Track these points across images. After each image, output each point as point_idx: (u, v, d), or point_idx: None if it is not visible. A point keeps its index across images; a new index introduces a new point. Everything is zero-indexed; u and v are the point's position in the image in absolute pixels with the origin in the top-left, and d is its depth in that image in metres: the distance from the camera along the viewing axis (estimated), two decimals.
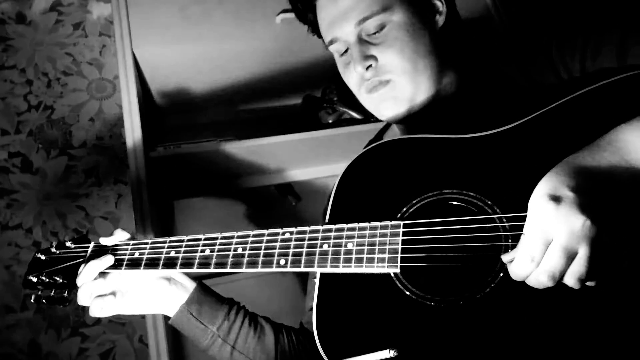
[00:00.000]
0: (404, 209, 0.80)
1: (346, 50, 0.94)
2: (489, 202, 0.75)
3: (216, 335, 0.97)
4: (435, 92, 0.92)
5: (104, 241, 0.98)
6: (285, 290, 1.64)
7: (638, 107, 0.69)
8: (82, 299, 0.93)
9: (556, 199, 0.62)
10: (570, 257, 0.61)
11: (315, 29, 1.00)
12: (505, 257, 0.67)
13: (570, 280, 0.62)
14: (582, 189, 0.62)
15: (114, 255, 0.95)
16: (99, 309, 0.93)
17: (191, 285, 0.99)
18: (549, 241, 0.62)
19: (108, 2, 1.86)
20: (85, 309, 1.61)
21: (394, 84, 0.91)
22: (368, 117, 1.62)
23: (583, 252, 0.60)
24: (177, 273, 0.98)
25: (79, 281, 0.93)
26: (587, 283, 0.63)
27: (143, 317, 1.42)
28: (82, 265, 0.94)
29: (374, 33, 0.90)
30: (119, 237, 0.98)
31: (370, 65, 0.90)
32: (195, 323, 0.96)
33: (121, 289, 0.96)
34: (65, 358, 1.58)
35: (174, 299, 0.97)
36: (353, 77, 0.94)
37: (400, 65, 0.89)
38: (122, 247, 0.96)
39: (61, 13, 1.85)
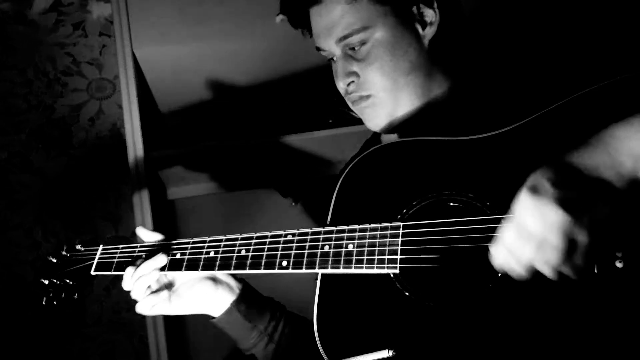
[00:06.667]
0: (404, 211, 0.81)
1: (334, 58, 0.95)
2: (487, 204, 0.76)
3: (264, 335, 0.98)
4: (422, 103, 0.93)
5: (144, 236, 0.99)
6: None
7: (633, 109, 0.70)
8: (137, 292, 0.92)
9: (535, 190, 0.62)
10: (543, 248, 0.61)
11: (310, 33, 1.01)
12: (492, 248, 0.67)
13: (546, 270, 0.62)
14: (564, 184, 0.62)
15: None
16: (150, 307, 0.93)
17: (237, 285, 0.99)
18: (523, 232, 0.62)
19: (108, 2, 1.86)
20: (86, 309, 1.63)
21: (374, 99, 0.92)
22: None
23: (557, 244, 0.61)
24: (221, 273, 0.97)
25: (139, 272, 0.92)
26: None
27: (143, 317, 1.42)
28: (148, 260, 0.92)
29: (358, 48, 0.91)
30: (154, 237, 0.99)
31: (353, 81, 0.92)
32: (243, 322, 0.97)
33: (176, 289, 0.97)
34: (65, 358, 1.59)
35: (221, 299, 0.97)
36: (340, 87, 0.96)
37: (380, 82, 0.91)
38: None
39: (61, 13, 1.85)
